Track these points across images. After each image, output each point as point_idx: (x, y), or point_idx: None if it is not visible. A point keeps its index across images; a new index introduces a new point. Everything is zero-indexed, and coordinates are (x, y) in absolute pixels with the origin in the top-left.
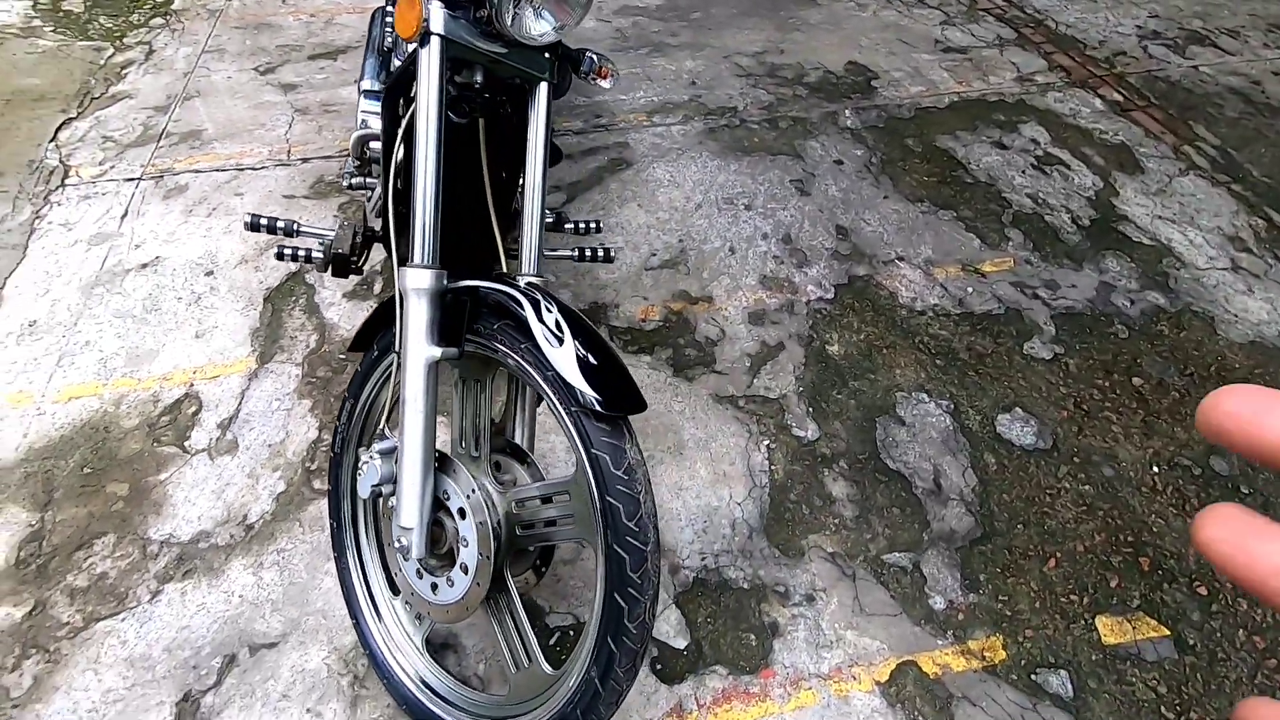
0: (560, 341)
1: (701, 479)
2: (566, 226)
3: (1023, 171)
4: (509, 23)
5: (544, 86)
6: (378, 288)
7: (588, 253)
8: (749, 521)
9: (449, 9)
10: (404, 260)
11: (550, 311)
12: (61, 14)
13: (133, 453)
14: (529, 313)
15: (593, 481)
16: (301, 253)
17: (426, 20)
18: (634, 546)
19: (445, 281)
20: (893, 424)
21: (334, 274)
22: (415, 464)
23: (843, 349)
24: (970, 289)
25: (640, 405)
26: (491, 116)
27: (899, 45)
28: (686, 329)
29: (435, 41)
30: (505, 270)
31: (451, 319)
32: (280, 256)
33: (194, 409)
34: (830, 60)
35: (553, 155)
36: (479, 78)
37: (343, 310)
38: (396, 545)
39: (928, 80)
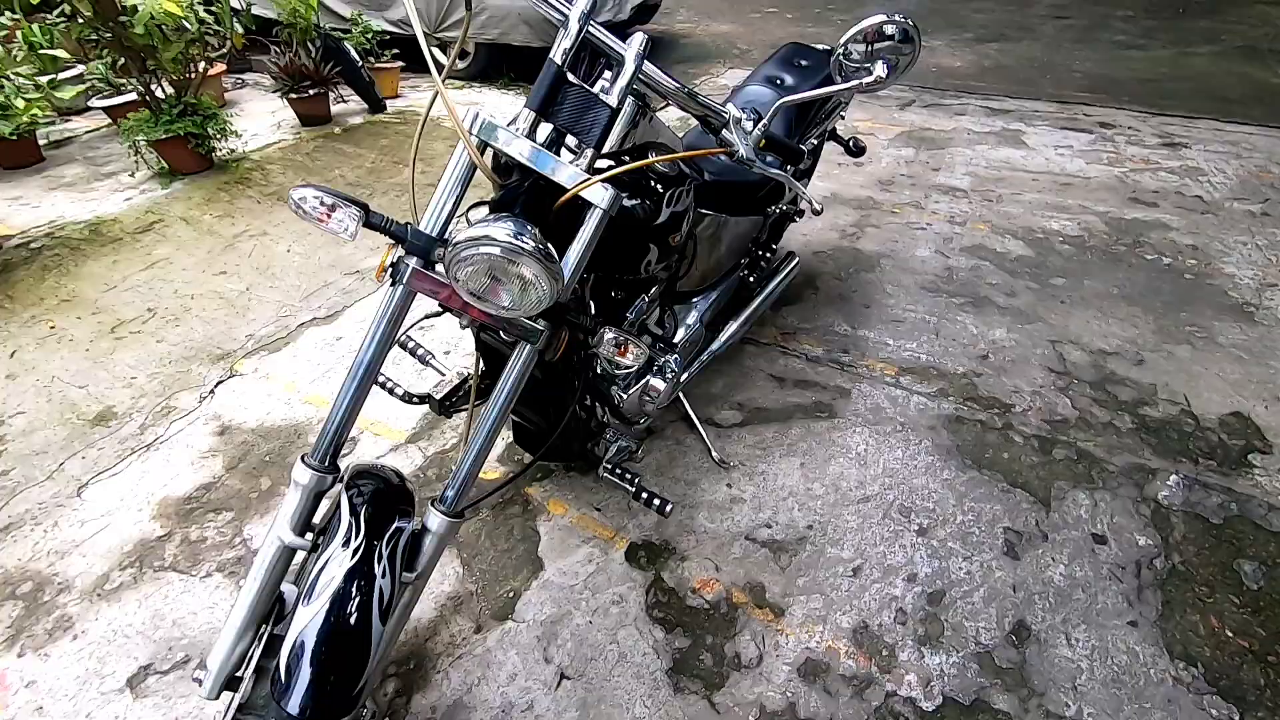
0: (310, 598)
1: None
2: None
3: None
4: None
5: (526, 349)
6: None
7: (644, 495)
8: None
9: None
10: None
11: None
12: None
13: (292, 461)
14: (338, 535)
15: None
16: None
17: (390, 264)
18: None
19: (327, 483)
20: None
21: (435, 411)
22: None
23: None
24: None
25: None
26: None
27: None
28: (728, 629)
29: (395, 291)
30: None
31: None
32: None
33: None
34: (1204, 400)
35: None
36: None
37: None
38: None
39: None
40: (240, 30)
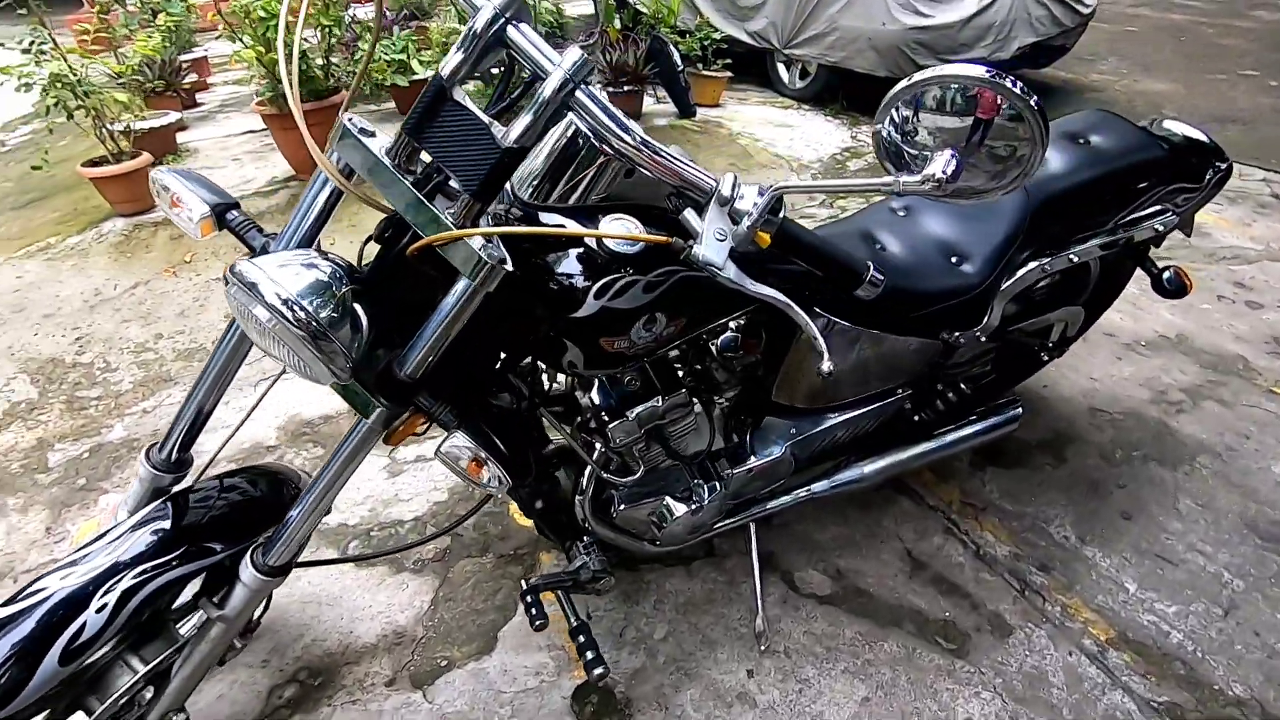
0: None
1: None
2: None
3: None
4: None
5: (362, 425)
6: None
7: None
8: None
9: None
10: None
11: None
12: None
13: None
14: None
15: None
16: None
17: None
18: None
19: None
20: None
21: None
22: None
23: None
24: None
25: None
26: None
27: None
28: None
29: None
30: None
31: None
32: None
33: None
34: None
35: None
36: None
37: None
38: None
39: None
40: (617, 25)
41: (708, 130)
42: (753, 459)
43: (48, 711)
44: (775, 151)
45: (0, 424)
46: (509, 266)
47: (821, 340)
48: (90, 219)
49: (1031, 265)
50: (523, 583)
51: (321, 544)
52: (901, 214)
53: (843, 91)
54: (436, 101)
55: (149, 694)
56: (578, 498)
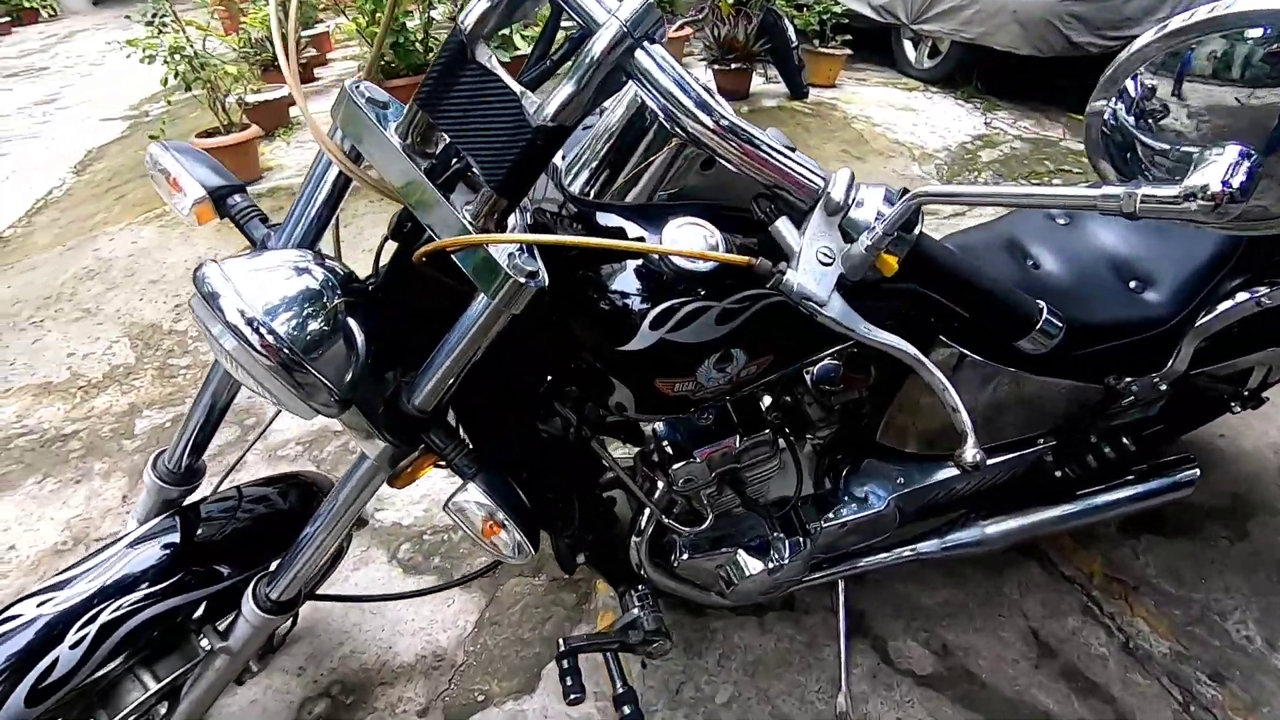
0: None
1: None
2: None
3: None
4: None
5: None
6: None
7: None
8: None
9: None
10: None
11: None
12: None
13: None
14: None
15: None
16: None
17: None
18: None
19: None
20: None
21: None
22: None
23: None
24: None
25: None
26: None
27: None
28: None
29: None
30: None
31: None
32: None
33: None
34: None
35: None
36: None
37: None
38: None
39: None
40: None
41: (820, 113)
42: (847, 510)
43: None
44: (895, 138)
45: (99, 386)
46: (542, 282)
47: (969, 422)
48: None
49: (1242, 297)
50: (560, 640)
51: (373, 544)
52: (1063, 220)
53: (977, 72)
54: (455, 63)
55: (163, 709)
56: (634, 539)
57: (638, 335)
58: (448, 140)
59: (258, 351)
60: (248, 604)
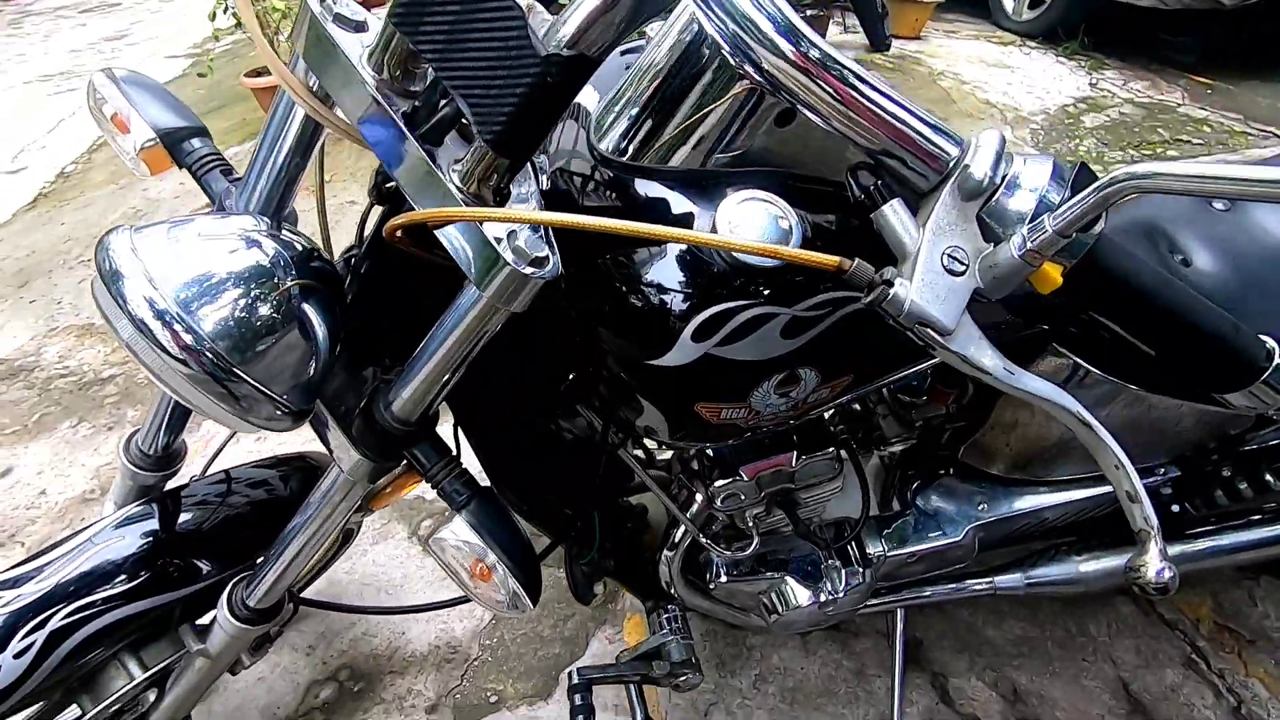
0: None
1: None
2: None
3: None
4: None
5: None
6: None
7: None
8: None
9: None
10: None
11: None
12: None
13: None
14: None
15: None
16: None
17: None
18: None
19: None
20: None
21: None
22: None
23: None
24: None
25: None
26: None
27: None
28: None
29: None
30: None
31: None
32: None
33: None
34: None
35: None
36: None
37: None
38: None
39: None
40: None
41: (902, 68)
42: (916, 536)
43: (41, 704)
44: (985, 97)
45: None
46: (553, 272)
47: (1154, 520)
48: (252, 130)
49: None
50: (572, 671)
51: (394, 517)
52: (1221, 207)
53: (1085, 25)
54: None
55: (151, 696)
56: (665, 553)
57: (676, 347)
58: (433, 75)
59: (168, 354)
60: (222, 611)
